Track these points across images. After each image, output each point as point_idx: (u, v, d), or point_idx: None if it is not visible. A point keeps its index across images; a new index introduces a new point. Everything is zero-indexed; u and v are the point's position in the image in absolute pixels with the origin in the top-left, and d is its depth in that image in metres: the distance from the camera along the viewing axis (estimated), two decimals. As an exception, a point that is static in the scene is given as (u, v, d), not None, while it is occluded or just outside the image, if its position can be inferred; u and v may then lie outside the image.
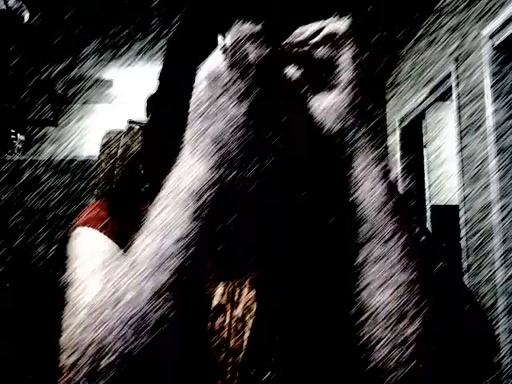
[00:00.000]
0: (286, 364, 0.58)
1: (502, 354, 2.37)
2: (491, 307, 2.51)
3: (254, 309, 0.61)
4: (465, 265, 2.88)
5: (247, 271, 0.63)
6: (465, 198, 2.92)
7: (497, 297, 2.49)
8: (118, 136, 1.19)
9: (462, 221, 2.95)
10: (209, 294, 0.62)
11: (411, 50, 3.91)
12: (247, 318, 0.61)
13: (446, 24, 3.22)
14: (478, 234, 2.74)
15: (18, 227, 4.62)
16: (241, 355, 0.59)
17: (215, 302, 0.62)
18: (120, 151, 1.19)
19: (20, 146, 4.53)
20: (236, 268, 0.64)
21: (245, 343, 0.60)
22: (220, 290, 0.62)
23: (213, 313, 0.61)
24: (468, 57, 2.90)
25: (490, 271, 2.59)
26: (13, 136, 4.48)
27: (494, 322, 2.44)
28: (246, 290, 0.62)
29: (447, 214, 3.49)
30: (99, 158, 1.16)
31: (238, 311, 0.61)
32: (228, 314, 0.61)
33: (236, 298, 0.62)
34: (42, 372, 0.61)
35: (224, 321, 0.61)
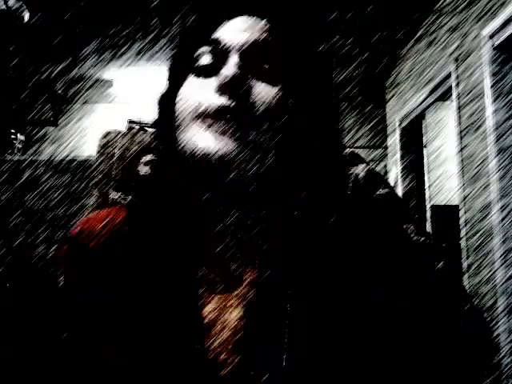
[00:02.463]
0: None
1: (502, 354, 2.37)
2: (491, 307, 2.51)
3: (241, 332, 0.58)
4: (465, 265, 2.88)
5: (237, 286, 0.61)
6: (465, 198, 2.91)
7: (497, 297, 2.49)
8: (118, 137, 1.19)
9: (462, 221, 2.95)
10: (199, 312, 0.60)
11: (411, 50, 3.91)
12: (233, 340, 0.58)
13: (446, 24, 3.22)
14: (478, 234, 2.74)
15: (18, 227, 4.61)
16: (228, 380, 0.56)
17: (205, 320, 0.59)
18: (119, 152, 1.19)
19: (20, 146, 4.52)
20: (227, 281, 0.62)
21: (230, 368, 0.57)
22: (209, 307, 0.60)
23: (202, 334, 0.58)
24: (468, 57, 2.89)
25: (490, 271, 2.59)
26: (13, 136, 4.47)
27: (494, 322, 2.44)
28: (234, 312, 0.60)
29: (447, 214, 3.49)
30: (97, 158, 1.16)
31: (225, 334, 0.59)
32: (215, 335, 0.59)
33: (223, 319, 0.59)
34: (41, 372, 0.61)
35: (212, 343, 0.58)
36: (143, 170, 0.71)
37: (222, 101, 0.60)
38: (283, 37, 0.64)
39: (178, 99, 0.64)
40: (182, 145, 0.61)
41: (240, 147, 0.58)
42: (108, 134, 1.18)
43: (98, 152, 1.15)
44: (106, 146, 1.17)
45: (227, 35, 0.63)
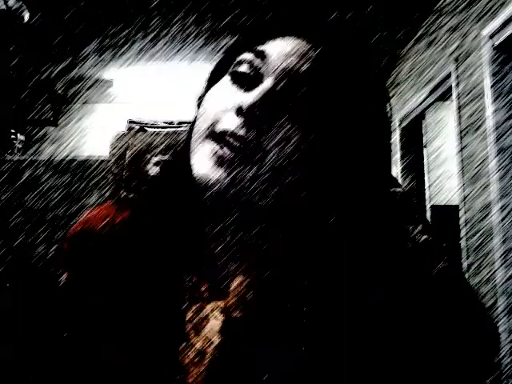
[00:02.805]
0: None
1: (502, 354, 2.37)
2: (491, 307, 2.51)
3: (216, 342, 0.56)
4: (465, 265, 2.88)
5: (223, 295, 0.59)
6: (465, 198, 2.91)
7: (497, 297, 2.49)
8: (121, 136, 1.20)
9: (462, 221, 2.95)
10: (180, 319, 0.58)
11: (411, 50, 3.91)
12: (207, 351, 0.56)
13: (446, 24, 3.22)
14: (478, 234, 2.74)
15: (18, 227, 4.61)
16: None
17: (184, 328, 0.58)
18: (122, 151, 1.19)
19: (20, 146, 4.53)
20: (214, 289, 0.60)
21: (200, 378, 0.56)
22: (191, 315, 0.58)
23: (178, 341, 0.57)
24: (468, 57, 2.90)
25: (489, 271, 2.59)
26: (13, 136, 4.48)
27: (494, 322, 2.44)
28: (212, 320, 0.58)
29: (447, 214, 3.49)
30: (108, 159, 1.17)
31: (199, 343, 0.57)
32: (190, 344, 0.57)
33: (200, 327, 0.57)
34: (41, 372, 0.61)
35: (186, 351, 0.57)
36: (153, 170, 0.70)
37: (235, 126, 0.57)
38: (334, 71, 0.59)
39: (205, 100, 0.63)
40: (190, 161, 0.60)
41: (241, 178, 0.56)
42: (117, 135, 1.19)
43: (110, 153, 1.17)
44: (113, 146, 1.18)
45: (273, 52, 0.60)
